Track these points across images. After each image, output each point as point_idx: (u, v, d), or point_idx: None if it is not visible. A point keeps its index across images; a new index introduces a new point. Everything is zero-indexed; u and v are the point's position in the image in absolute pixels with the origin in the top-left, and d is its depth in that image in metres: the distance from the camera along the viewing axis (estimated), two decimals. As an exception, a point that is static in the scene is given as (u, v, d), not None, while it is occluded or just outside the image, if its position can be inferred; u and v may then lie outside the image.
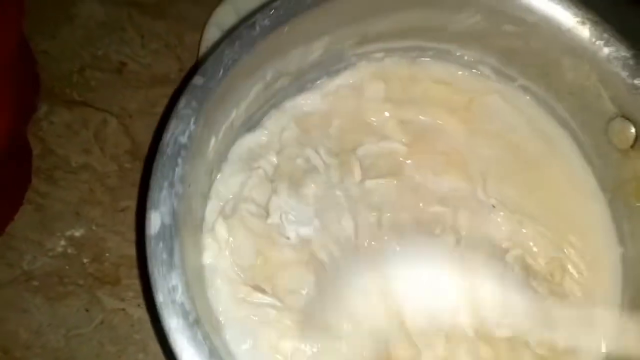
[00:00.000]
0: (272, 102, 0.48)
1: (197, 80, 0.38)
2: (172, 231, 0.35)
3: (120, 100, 0.58)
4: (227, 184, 0.45)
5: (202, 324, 0.34)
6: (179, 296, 0.33)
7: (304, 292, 0.42)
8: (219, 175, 0.46)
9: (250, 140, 0.47)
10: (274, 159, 0.47)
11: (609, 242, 0.46)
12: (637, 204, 0.44)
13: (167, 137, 0.37)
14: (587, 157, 0.48)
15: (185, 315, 0.33)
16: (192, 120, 0.37)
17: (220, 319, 0.41)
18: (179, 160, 0.36)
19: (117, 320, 0.50)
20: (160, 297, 0.33)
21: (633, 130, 0.44)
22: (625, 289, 0.44)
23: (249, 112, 0.47)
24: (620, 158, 0.45)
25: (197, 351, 0.32)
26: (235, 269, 0.42)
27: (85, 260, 0.52)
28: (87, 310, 0.50)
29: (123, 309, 0.51)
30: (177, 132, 0.37)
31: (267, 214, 0.44)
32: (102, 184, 0.55)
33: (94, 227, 0.53)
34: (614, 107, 0.44)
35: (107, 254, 0.53)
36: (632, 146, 0.44)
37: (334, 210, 0.45)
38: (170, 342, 0.32)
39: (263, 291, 0.42)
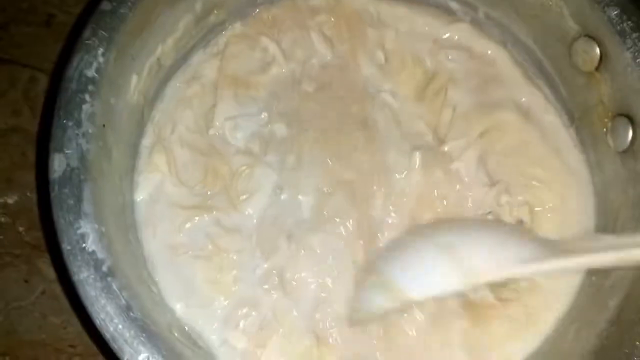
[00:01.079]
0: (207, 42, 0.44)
1: (105, 5, 0.34)
2: (80, 175, 0.31)
3: (49, 55, 0.52)
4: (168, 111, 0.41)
5: (120, 274, 0.30)
6: (89, 244, 0.30)
7: (260, 195, 0.40)
8: (155, 118, 0.42)
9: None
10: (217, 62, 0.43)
11: (578, 173, 0.43)
12: (603, 130, 0.41)
13: (71, 70, 0.33)
14: (553, 87, 0.45)
15: (97, 265, 0.30)
16: (100, 51, 0.33)
17: (155, 262, 0.38)
18: (86, 97, 0.32)
19: (59, 290, 0.46)
20: (67, 246, 0.29)
21: (597, 50, 0.40)
22: (597, 217, 0.41)
23: (179, 49, 0.43)
24: (585, 83, 0.42)
25: (112, 304, 0.29)
26: (180, 193, 0.39)
27: (20, 229, 0.48)
28: (26, 282, 0.46)
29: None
30: (83, 64, 0.33)
31: (208, 126, 0.41)
32: (34, 146, 0.50)
33: (28, 194, 0.49)
34: (576, 25, 0.41)
35: (40, 222, 0.48)
36: (597, 68, 0.40)
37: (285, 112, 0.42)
38: (80, 297, 0.29)
39: (215, 208, 0.39)
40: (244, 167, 0.41)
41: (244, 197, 0.40)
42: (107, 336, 0.28)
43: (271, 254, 0.39)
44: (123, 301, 0.29)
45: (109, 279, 0.29)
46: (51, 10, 0.54)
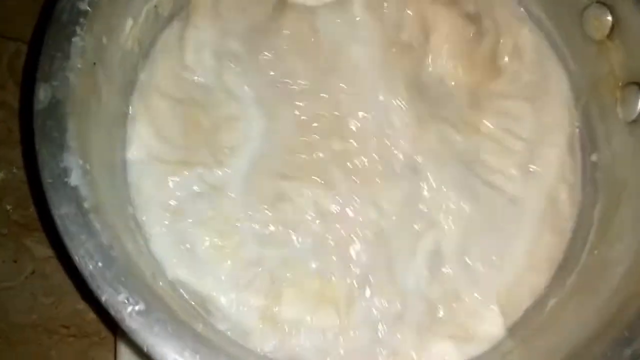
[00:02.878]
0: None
1: (102, -62, 0.33)
2: (65, 107, 0.29)
3: (35, 27, 0.50)
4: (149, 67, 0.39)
5: (103, 214, 0.29)
6: (73, 179, 0.28)
7: (246, 148, 0.38)
8: (145, 70, 0.40)
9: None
10: None
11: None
12: (612, 102, 0.40)
13: (63, 2, 0.31)
14: (562, 61, 0.44)
15: (78, 200, 0.28)
16: (95, -16, 0.32)
17: (150, 232, 0.36)
18: (77, 29, 0.31)
19: (49, 269, 0.44)
20: (49, 179, 0.28)
21: (609, 17, 0.39)
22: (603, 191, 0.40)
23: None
24: (596, 52, 0.40)
25: (92, 241, 0.27)
26: (161, 148, 0.37)
27: (8, 207, 0.46)
28: (15, 261, 0.45)
29: (54, 257, 0.45)
30: (75, -4, 0.32)
31: (182, 68, 0.39)
32: (20, 121, 0.48)
33: (14, 170, 0.47)
34: (587, -8, 0.40)
35: (32, 198, 0.46)
36: (608, 36, 0.39)
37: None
38: (60, 232, 0.27)
39: (201, 164, 0.37)
40: (224, 120, 0.39)
41: (227, 150, 0.38)
42: (86, 274, 0.26)
43: (267, 209, 0.38)
44: (104, 240, 0.28)
45: (90, 215, 0.28)
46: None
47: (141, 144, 0.37)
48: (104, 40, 0.34)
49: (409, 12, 0.43)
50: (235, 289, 0.35)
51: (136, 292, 0.27)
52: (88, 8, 0.31)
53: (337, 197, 0.38)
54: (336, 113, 0.40)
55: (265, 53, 0.41)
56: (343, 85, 0.41)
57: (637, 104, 0.38)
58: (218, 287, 0.35)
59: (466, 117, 0.42)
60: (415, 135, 0.40)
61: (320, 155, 0.39)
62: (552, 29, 0.44)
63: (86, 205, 0.28)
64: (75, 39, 0.31)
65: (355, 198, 0.38)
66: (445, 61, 0.42)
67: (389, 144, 0.40)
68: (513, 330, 0.38)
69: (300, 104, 0.40)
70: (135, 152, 0.37)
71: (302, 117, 0.40)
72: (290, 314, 0.36)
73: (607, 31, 0.39)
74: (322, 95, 0.41)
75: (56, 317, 0.43)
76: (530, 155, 0.41)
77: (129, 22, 0.36)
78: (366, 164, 0.40)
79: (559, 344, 0.34)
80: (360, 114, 0.40)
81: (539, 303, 0.39)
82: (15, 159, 0.47)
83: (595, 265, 0.38)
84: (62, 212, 0.27)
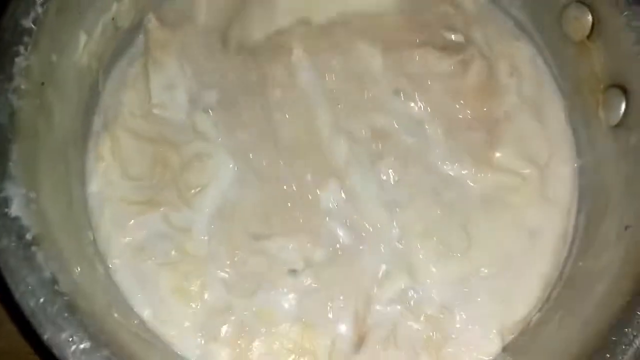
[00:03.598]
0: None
1: (46, -50, 0.31)
2: (7, 134, 0.28)
3: None
4: (113, 95, 0.38)
5: (48, 245, 0.27)
6: (13, 209, 0.27)
7: (215, 186, 0.37)
8: (107, 90, 0.39)
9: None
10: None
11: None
12: (594, 105, 0.38)
13: (5, 19, 0.29)
14: (545, 61, 0.42)
15: (19, 232, 0.26)
16: (40, 0, 0.30)
17: (110, 264, 0.35)
18: (21, 49, 0.29)
19: None
20: (-14, 211, 0.26)
21: (589, 17, 0.37)
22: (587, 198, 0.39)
23: (140, 11, 0.39)
24: (576, 53, 0.38)
25: (33, 276, 0.26)
26: (126, 186, 0.36)
27: None
28: None
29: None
30: (19, 13, 0.29)
31: (151, 105, 0.38)
32: None
33: None
34: (566, -10, 0.38)
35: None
36: (588, 36, 0.37)
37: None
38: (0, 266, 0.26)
39: (166, 204, 0.36)
40: (194, 158, 0.37)
41: (196, 190, 0.37)
42: (27, 311, 0.25)
43: (235, 255, 0.36)
44: (48, 273, 0.26)
45: (33, 248, 0.26)
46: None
47: (103, 181, 0.36)
48: (54, 58, 0.32)
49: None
50: (200, 338, 0.34)
51: (82, 330, 0.25)
52: (32, 25, 0.30)
53: (313, 246, 0.36)
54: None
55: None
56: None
57: (619, 108, 0.36)
58: (182, 334, 0.34)
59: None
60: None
61: (292, 204, 0.37)
62: (531, 29, 0.43)
63: (28, 237, 0.26)
64: (18, 59, 0.29)
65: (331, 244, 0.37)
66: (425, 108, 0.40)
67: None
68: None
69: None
70: (96, 188, 0.36)
71: (277, 161, 0.38)
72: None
73: (587, 32, 0.38)
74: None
75: (25, 344, 0.42)
76: (544, 179, 0.39)
77: (83, 37, 0.35)
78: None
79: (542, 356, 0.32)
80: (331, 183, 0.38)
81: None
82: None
83: (580, 277, 0.36)
84: (1, 245, 0.26)
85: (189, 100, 0.39)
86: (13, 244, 0.26)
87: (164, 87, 0.38)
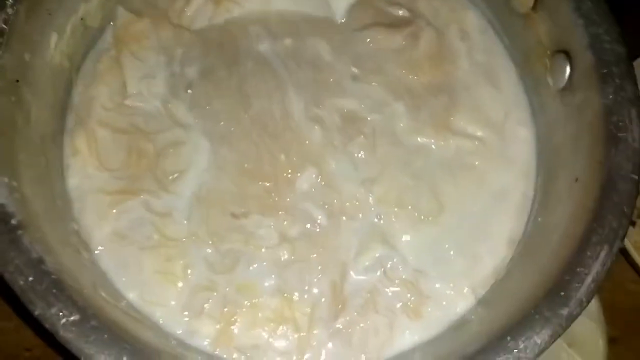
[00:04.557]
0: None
1: (12, -47, 0.32)
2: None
3: None
4: (84, 92, 0.40)
5: (33, 229, 0.29)
6: (-4, 197, 0.28)
7: (192, 171, 0.38)
8: (79, 87, 0.40)
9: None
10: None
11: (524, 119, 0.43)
12: (543, 71, 0.40)
13: (-23, 21, 0.31)
14: (497, 34, 0.44)
15: (5, 218, 0.28)
16: (10, 2, 0.32)
17: (94, 250, 0.36)
18: (-7, 47, 0.31)
19: None
20: (-30, 200, 0.28)
21: (532, -12, 0.40)
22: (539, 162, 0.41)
23: (107, 11, 0.41)
24: (523, 24, 0.41)
25: (21, 257, 0.27)
26: (103, 177, 0.37)
27: None
28: None
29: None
30: (-11, 14, 0.31)
31: (124, 96, 0.39)
32: None
33: None
34: (510, -34, 0.41)
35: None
36: (533, 7, 0.40)
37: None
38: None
39: (145, 192, 0.38)
40: (169, 146, 0.39)
41: (174, 176, 0.38)
42: (17, 289, 0.26)
43: (215, 234, 0.38)
44: (34, 254, 0.27)
45: (18, 232, 0.28)
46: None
47: (82, 174, 0.37)
48: (27, 57, 0.34)
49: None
50: (186, 315, 0.35)
51: (70, 304, 0.27)
52: (4, 26, 0.31)
53: (290, 224, 0.38)
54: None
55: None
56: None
57: (564, 71, 0.39)
58: (168, 313, 0.35)
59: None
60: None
61: (269, 184, 0.39)
62: (482, 5, 0.45)
63: (13, 222, 0.28)
64: (-8, 57, 0.31)
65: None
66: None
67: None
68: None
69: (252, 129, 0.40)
70: (75, 182, 0.37)
71: (252, 143, 0.39)
72: (246, 339, 0.36)
73: (531, 4, 0.40)
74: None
75: (19, 342, 0.42)
76: (503, 142, 0.42)
77: (54, 37, 0.36)
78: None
79: (510, 308, 0.34)
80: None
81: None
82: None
83: (538, 232, 0.38)
84: (-13, 231, 0.27)
85: (167, 87, 0.40)
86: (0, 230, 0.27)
87: (140, 78, 0.40)
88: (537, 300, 0.31)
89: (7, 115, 0.31)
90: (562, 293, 0.29)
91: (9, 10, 0.31)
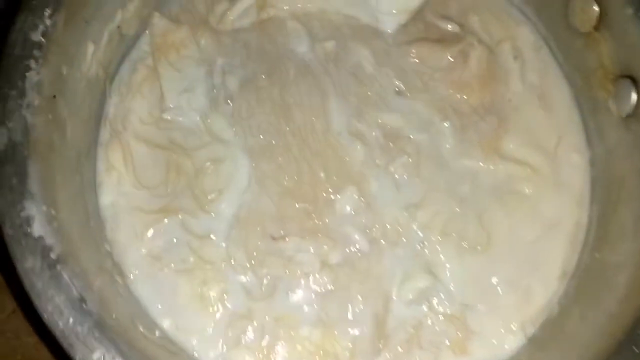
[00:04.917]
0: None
1: (51, -38, 0.30)
2: (24, 151, 0.27)
3: None
4: (120, 103, 0.38)
5: (72, 262, 0.27)
6: (36, 229, 0.26)
7: (232, 190, 0.36)
8: (114, 98, 0.38)
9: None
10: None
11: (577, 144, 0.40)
12: (604, 96, 0.38)
13: (14, 34, 0.29)
14: (552, 53, 0.42)
15: (44, 251, 0.26)
16: (48, 12, 0.30)
17: (128, 274, 0.35)
18: (32, 63, 0.29)
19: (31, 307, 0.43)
20: (10, 231, 0.26)
21: (596, 7, 0.37)
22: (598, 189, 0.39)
23: (143, 18, 0.39)
24: (583, 45, 0.39)
25: (61, 296, 0.25)
26: (140, 195, 0.36)
27: None
28: None
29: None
30: (27, 26, 0.29)
31: (162, 109, 0.37)
32: None
33: None
34: (572, -19, 0.38)
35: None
36: (595, 27, 0.37)
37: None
38: (25, 288, 0.26)
39: (183, 211, 0.36)
40: (208, 163, 0.37)
41: (212, 195, 0.37)
42: (57, 332, 0.25)
43: (253, 257, 0.36)
44: (75, 292, 0.26)
45: (58, 267, 0.26)
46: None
47: (116, 192, 0.36)
48: (64, 70, 0.32)
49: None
50: (223, 344, 0.34)
51: (112, 346, 0.25)
52: (42, 39, 0.29)
53: (330, 249, 0.36)
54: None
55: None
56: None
57: (630, 99, 0.36)
58: (204, 342, 0.34)
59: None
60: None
61: (309, 205, 0.37)
62: (536, 20, 0.43)
63: (52, 256, 0.26)
64: (29, 74, 0.29)
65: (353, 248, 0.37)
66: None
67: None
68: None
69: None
70: (109, 199, 0.35)
71: (292, 158, 0.38)
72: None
73: (593, 22, 0.38)
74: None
75: (40, 358, 0.41)
76: (555, 168, 0.39)
77: (90, 48, 0.34)
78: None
79: (567, 353, 0.32)
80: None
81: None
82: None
83: (597, 268, 0.36)
84: (26, 265, 0.25)
85: (208, 100, 0.38)
86: (38, 265, 0.26)
87: (180, 91, 0.38)
88: (601, 351, 0.30)
89: (44, 136, 0.29)
90: (635, 348, 0.27)
91: (47, 22, 0.29)
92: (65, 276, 0.26)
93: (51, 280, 0.26)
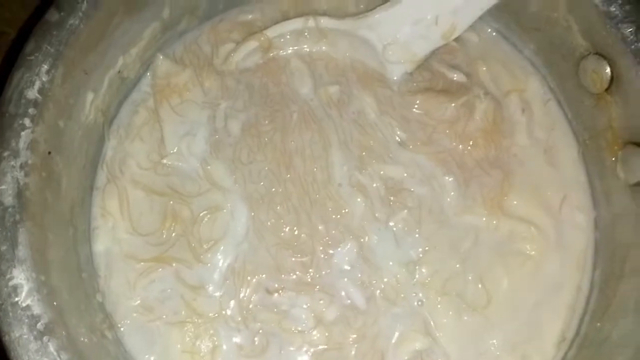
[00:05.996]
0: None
1: (52, 15, 0.29)
2: (15, 215, 0.27)
3: None
4: (119, 146, 0.37)
5: (60, 331, 0.26)
6: (23, 298, 0.26)
7: (229, 240, 0.36)
8: (112, 140, 0.38)
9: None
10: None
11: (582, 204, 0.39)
12: (611, 159, 0.37)
13: (9, 91, 0.28)
14: (560, 107, 0.41)
15: (31, 322, 0.25)
16: (45, 68, 0.29)
17: (120, 326, 0.34)
18: (27, 121, 0.28)
19: None
20: (-4, 302, 0.25)
21: (608, 70, 0.36)
22: (601, 255, 0.38)
23: (145, 60, 0.38)
24: (593, 104, 0.38)
25: (47, 369, 0.25)
26: (135, 242, 0.35)
27: None
28: None
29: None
30: (23, 84, 0.28)
31: (162, 155, 0.37)
32: None
33: None
34: (586, 42, 0.37)
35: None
36: (607, 89, 0.36)
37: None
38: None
39: (177, 261, 0.35)
40: (205, 211, 0.37)
41: (209, 245, 0.36)
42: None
43: (246, 310, 0.36)
44: (62, 364, 0.25)
45: (44, 338, 0.25)
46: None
47: (110, 238, 0.35)
48: (61, 124, 0.31)
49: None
50: None
51: None
52: (38, 95, 0.29)
53: (327, 305, 0.36)
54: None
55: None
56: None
57: (638, 166, 0.36)
58: None
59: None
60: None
61: (306, 258, 0.37)
62: (544, 73, 0.42)
63: (40, 326, 0.25)
64: (24, 133, 0.28)
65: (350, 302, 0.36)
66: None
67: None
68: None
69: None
70: (103, 246, 0.35)
71: (291, 208, 0.37)
72: None
73: (605, 85, 0.37)
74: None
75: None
76: (559, 228, 0.39)
77: (90, 97, 0.34)
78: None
79: None
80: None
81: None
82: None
83: (597, 340, 0.35)
84: (12, 337, 0.25)
85: (208, 145, 0.38)
86: (25, 336, 0.25)
87: (181, 135, 0.37)
88: None
89: (37, 196, 0.28)
90: None
91: (44, 77, 0.29)
92: (52, 348, 0.25)
93: (37, 352, 0.25)
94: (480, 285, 0.37)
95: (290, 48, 0.42)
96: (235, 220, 0.37)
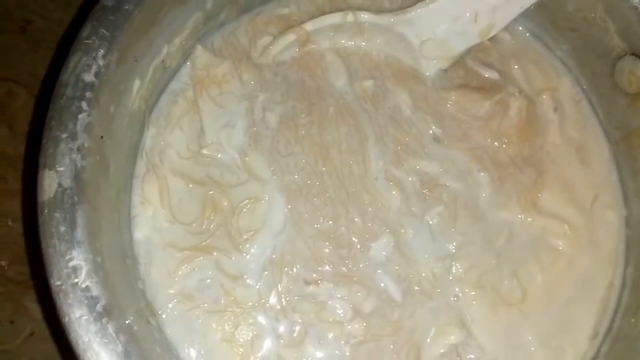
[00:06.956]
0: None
1: (108, 0, 0.30)
2: (74, 197, 0.27)
3: (27, 66, 0.47)
4: (158, 135, 0.37)
5: (117, 314, 0.26)
6: (83, 279, 0.26)
7: (267, 231, 0.36)
8: (151, 130, 0.38)
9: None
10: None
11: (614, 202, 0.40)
12: (646, 158, 0.38)
13: (67, 75, 0.28)
14: (592, 107, 0.42)
15: (91, 303, 0.25)
16: (101, 52, 0.29)
17: (161, 313, 0.34)
18: (84, 105, 0.28)
19: (49, 331, 0.41)
20: (57, 282, 0.25)
21: (646, 71, 0.37)
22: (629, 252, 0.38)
23: (185, 50, 0.38)
24: (628, 104, 0.39)
25: (107, 351, 0.25)
26: (175, 231, 0.35)
27: (3, 263, 0.43)
28: (12, 322, 0.42)
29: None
30: (80, 67, 0.28)
31: (201, 145, 0.37)
32: (15, 169, 0.44)
33: (10, 223, 0.43)
34: (623, 43, 0.37)
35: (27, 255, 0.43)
36: (643, 90, 0.38)
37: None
38: (70, 341, 0.25)
39: (218, 250, 0.35)
40: (245, 201, 0.37)
41: (248, 235, 0.36)
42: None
43: (285, 301, 0.36)
44: (120, 347, 0.25)
45: (104, 320, 0.25)
46: (28, 15, 0.48)
47: (150, 227, 0.35)
48: (112, 109, 0.31)
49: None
50: None
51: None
52: (95, 79, 0.29)
53: (364, 297, 0.36)
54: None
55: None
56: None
57: (674, 166, 0.36)
58: None
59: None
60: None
61: (343, 251, 0.37)
62: (577, 74, 0.42)
63: (99, 308, 0.25)
64: (81, 116, 0.28)
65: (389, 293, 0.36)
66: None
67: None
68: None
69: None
70: (143, 235, 0.35)
71: (328, 200, 0.37)
72: None
73: (642, 85, 0.38)
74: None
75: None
76: (591, 225, 0.39)
77: (137, 84, 0.34)
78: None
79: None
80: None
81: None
82: (11, 211, 0.44)
83: (632, 335, 0.36)
84: (72, 318, 0.25)
85: (247, 137, 0.38)
86: (85, 317, 0.25)
87: (220, 127, 0.37)
88: None
89: (92, 179, 0.28)
90: None
91: (101, 62, 0.29)
92: (111, 330, 0.25)
93: (97, 334, 0.25)
94: (515, 280, 0.38)
95: (327, 42, 0.42)
96: (273, 211, 0.37)
